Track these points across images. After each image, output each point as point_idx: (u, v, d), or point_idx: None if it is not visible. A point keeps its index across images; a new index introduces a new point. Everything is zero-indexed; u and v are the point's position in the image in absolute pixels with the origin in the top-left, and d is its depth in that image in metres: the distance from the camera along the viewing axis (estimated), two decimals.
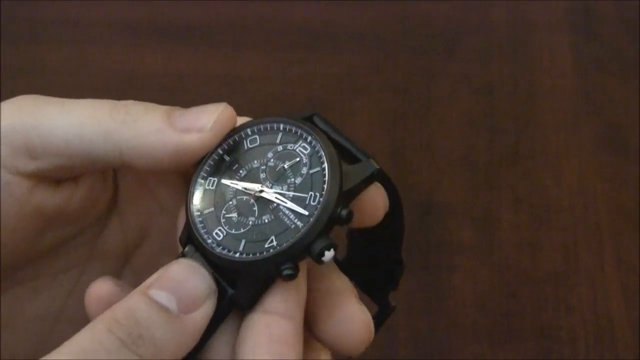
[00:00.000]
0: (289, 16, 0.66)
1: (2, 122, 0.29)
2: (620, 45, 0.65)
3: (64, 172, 0.30)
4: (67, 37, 0.63)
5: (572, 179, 0.58)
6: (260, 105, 0.60)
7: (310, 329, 0.30)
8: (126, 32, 0.64)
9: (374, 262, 0.34)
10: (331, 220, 0.28)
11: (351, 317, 0.30)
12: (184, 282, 0.28)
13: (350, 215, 0.28)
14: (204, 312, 0.28)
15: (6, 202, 0.30)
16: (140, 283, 0.32)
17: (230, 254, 0.29)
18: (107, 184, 0.33)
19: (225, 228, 0.29)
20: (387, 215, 0.31)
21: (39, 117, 0.29)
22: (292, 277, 0.28)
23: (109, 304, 0.29)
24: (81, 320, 0.33)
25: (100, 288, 0.31)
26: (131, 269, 0.35)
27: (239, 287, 0.29)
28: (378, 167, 0.29)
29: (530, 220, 0.56)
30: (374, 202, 0.30)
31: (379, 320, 0.34)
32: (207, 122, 0.30)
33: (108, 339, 0.26)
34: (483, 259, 0.54)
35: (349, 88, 0.62)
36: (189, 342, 0.28)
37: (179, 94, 0.61)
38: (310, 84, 0.62)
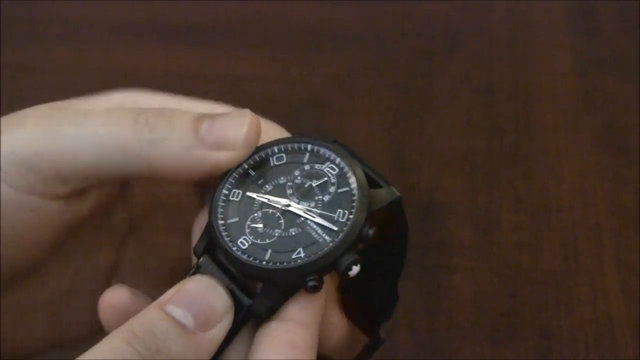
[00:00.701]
0: (289, 16, 0.66)
1: (30, 152, 0.29)
2: (620, 45, 0.65)
3: (94, 186, 0.31)
4: (67, 37, 0.63)
5: (572, 179, 0.58)
6: (260, 105, 0.60)
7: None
8: (126, 32, 0.64)
9: (369, 296, 0.35)
10: (359, 237, 0.29)
11: (332, 323, 0.32)
12: (200, 299, 0.28)
13: (375, 234, 0.29)
14: (220, 330, 0.28)
15: (40, 224, 0.30)
16: (143, 255, 0.33)
17: (257, 262, 0.29)
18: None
19: (250, 237, 0.30)
20: (390, 250, 0.33)
21: (64, 141, 0.29)
22: (316, 289, 0.29)
23: (122, 313, 0.30)
24: (89, 293, 0.34)
25: (114, 296, 0.31)
26: (135, 239, 0.36)
27: (260, 296, 0.29)
28: (400, 194, 0.31)
29: (530, 220, 0.55)
30: None
31: (369, 351, 0.35)
32: (236, 139, 0.30)
33: (128, 351, 0.27)
34: (483, 259, 0.54)
35: (349, 88, 0.62)
36: (203, 357, 0.28)
37: (179, 94, 0.61)
38: (310, 84, 0.62)
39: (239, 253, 0.29)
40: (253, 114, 0.32)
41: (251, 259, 0.29)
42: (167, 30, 0.64)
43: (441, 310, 0.52)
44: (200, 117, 0.31)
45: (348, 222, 0.29)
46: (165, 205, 0.36)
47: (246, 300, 0.29)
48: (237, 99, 0.62)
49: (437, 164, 0.58)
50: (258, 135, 0.31)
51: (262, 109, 0.61)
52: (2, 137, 0.30)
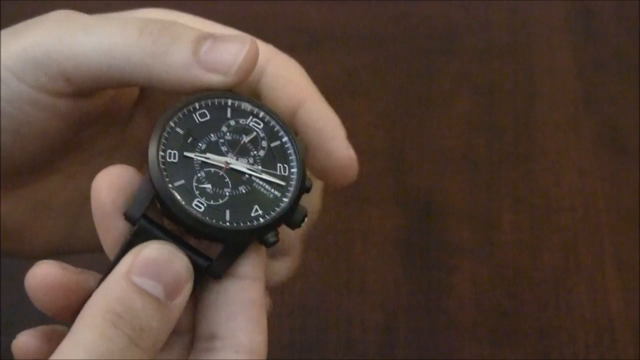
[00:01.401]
0: (288, 16, 0.66)
1: (39, 51, 0.31)
2: (620, 45, 0.65)
3: (97, 89, 0.32)
4: None
5: (572, 179, 0.58)
6: None
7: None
8: None
9: None
10: (303, 189, 0.31)
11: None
12: (167, 268, 0.28)
13: (311, 185, 0.31)
14: (184, 296, 0.28)
15: (51, 119, 0.31)
16: None
17: (220, 223, 0.29)
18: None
19: (203, 199, 0.30)
20: None
21: (70, 43, 0.31)
22: (276, 243, 0.30)
23: (53, 288, 0.29)
24: None
25: (44, 271, 0.30)
26: None
27: (221, 257, 0.29)
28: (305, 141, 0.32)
29: (530, 220, 0.56)
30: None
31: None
32: (230, 65, 0.31)
33: (117, 335, 0.27)
34: (483, 259, 0.54)
35: (349, 88, 0.62)
36: (172, 326, 0.28)
37: None
38: None
39: (200, 216, 0.29)
40: (254, 42, 0.32)
41: (213, 221, 0.29)
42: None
43: (441, 310, 0.52)
44: (203, 37, 0.31)
45: (292, 176, 0.31)
46: None
47: (202, 262, 0.29)
48: None
49: (437, 164, 0.58)
50: (253, 64, 0.32)
51: None
52: (19, 36, 0.32)
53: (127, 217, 0.29)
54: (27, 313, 0.51)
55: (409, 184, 0.57)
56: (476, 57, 0.64)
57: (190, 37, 0.31)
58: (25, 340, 0.31)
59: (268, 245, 0.29)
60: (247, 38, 0.32)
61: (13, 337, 0.48)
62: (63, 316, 0.30)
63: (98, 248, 0.35)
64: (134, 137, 0.36)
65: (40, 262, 0.30)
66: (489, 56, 0.64)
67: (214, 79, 0.31)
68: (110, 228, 0.30)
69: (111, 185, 0.30)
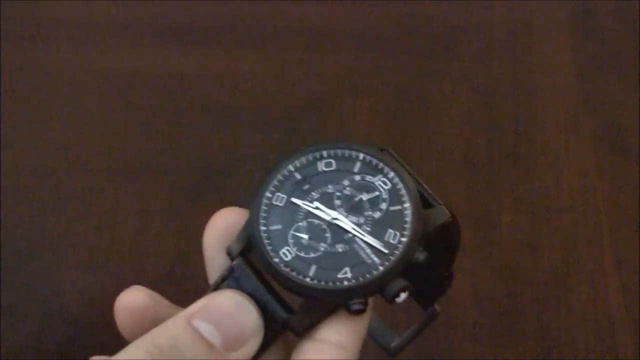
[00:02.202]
0: (289, 16, 0.66)
1: None
2: (620, 45, 0.65)
3: None
4: (67, 37, 0.63)
5: (572, 179, 0.58)
6: (260, 105, 0.60)
7: None
8: (126, 32, 0.64)
9: (426, 274, 0.34)
10: (409, 263, 0.28)
11: None
12: (231, 317, 0.27)
13: (427, 260, 0.28)
14: (246, 351, 0.27)
15: None
16: None
17: (300, 277, 0.28)
18: None
19: (294, 249, 0.28)
20: (449, 234, 0.31)
21: None
22: (360, 312, 0.27)
23: (140, 316, 0.28)
24: None
25: (132, 298, 0.29)
26: None
27: (300, 313, 0.28)
28: (450, 215, 0.29)
29: (530, 220, 0.55)
30: None
31: (426, 323, 0.35)
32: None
33: None
34: (483, 259, 0.54)
35: (349, 88, 0.62)
36: None
37: (179, 93, 0.61)
38: (310, 84, 0.62)
39: (281, 265, 0.28)
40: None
41: (294, 273, 0.27)
42: (168, 30, 0.64)
43: (441, 310, 0.52)
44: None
45: (399, 246, 0.28)
46: None
47: (282, 314, 0.28)
48: (236, 99, 0.62)
49: (437, 164, 0.58)
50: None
51: (262, 109, 0.61)
52: None
53: (228, 252, 0.29)
54: (27, 313, 0.51)
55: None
56: (476, 57, 0.64)
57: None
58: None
59: (350, 311, 0.27)
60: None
61: (13, 337, 0.48)
62: None
63: None
64: None
65: (133, 286, 0.29)
66: (489, 56, 0.64)
67: None
68: (214, 264, 0.29)
69: (221, 224, 0.29)
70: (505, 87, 0.62)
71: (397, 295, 0.27)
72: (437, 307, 0.35)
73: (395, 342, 0.35)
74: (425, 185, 0.31)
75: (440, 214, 0.29)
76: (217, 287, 0.28)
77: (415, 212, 0.28)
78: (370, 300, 0.28)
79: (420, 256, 0.28)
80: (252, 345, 0.27)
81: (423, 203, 0.29)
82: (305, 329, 0.28)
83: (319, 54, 0.64)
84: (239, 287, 0.28)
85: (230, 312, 0.27)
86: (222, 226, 0.29)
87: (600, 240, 0.55)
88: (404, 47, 0.64)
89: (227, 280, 0.28)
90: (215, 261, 0.29)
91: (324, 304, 0.27)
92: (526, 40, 0.65)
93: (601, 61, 0.64)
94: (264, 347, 0.28)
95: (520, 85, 0.62)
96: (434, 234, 0.29)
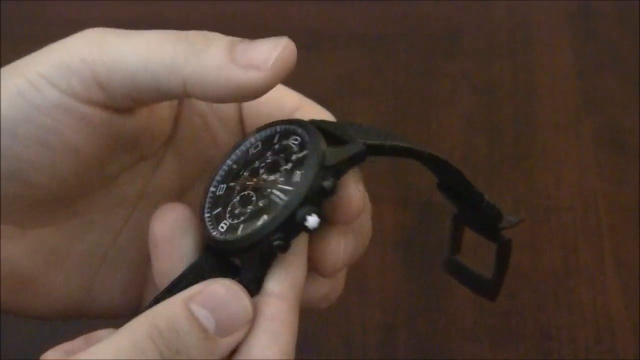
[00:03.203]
0: (289, 16, 0.66)
1: (72, 57, 0.30)
2: (620, 45, 0.65)
3: (131, 101, 0.31)
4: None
5: (572, 179, 0.58)
6: None
7: None
8: None
9: (473, 211, 0.38)
10: (313, 190, 0.29)
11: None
12: (225, 305, 0.28)
13: (333, 186, 0.30)
14: (237, 337, 0.29)
15: (83, 131, 0.31)
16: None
17: (229, 236, 0.30)
18: (169, 114, 0.34)
19: (229, 221, 0.31)
20: (448, 178, 0.37)
21: (105, 48, 0.30)
22: (283, 248, 0.29)
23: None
24: (128, 262, 0.34)
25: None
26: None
27: (242, 271, 0.30)
28: (365, 146, 0.31)
29: (530, 220, 0.56)
30: (349, 199, 0.31)
31: (503, 256, 0.39)
32: (267, 58, 0.30)
33: (150, 349, 0.27)
34: (483, 259, 0.54)
35: (349, 88, 0.62)
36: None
37: None
38: (310, 84, 0.62)
39: (218, 235, 0.30)
40: (290, 41, 0.32)
41: (225, 236, 0.30)
42: (167, 30, 0.64)
43: (441, 310, 0.52)
44: (238, 40, 0.31)
45: (302, 179, 0.30)
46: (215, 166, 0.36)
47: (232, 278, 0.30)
48: None
49: None
50: (290, 60, 0.31)
51: None
52: (54, 50, 0.31)
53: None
54: None
55: (409, 184, 0.57)
56: (476, 57, 0.64)
57: (225, 39, 0.31)
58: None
59: (274, 251, 0.29)
60: (284, 37, 0.31)
61: (13, 336, 0.48)
62: None
63: (113, 315, 0.35)
64: (162, 186, 0.35)
65: (47, 354, 0.31)
66: (489, 56, 0.64)
67: (250, 75, 0.30)
68: (168, 253, 0.31)
69: (173, 215, 0.31)
70: (505, 87, 0.62)
71: (304, 218, 0.29)
72: (511, 219, 0.38)
73: (490, 287, 0.40)
74: (355, 127, 0.33)
75: (354, 146, 0.31)
76: (182, 277, 0.30)
77: (316, 150, 0.30)
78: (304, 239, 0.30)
79: (326, 183, 0.29)
80: (242, 332, 0.29)
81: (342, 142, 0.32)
82: (254, 285, 0.30)
83: (319, 54, 0.64)
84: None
85: (225, 299, 0.28)
86: (171, 218, 0.31)
87: (600, 240, 0.55)
88: (404, 47, 0.64)
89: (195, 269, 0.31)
90: (166, 249, 0.31)
91: (253, 253, 0.29)
92: (526, 40, 0.65)
93: (601, 61, 0.64)
94: None
95: (520, 85, 0.62)
96: (349, 163, 0.31)
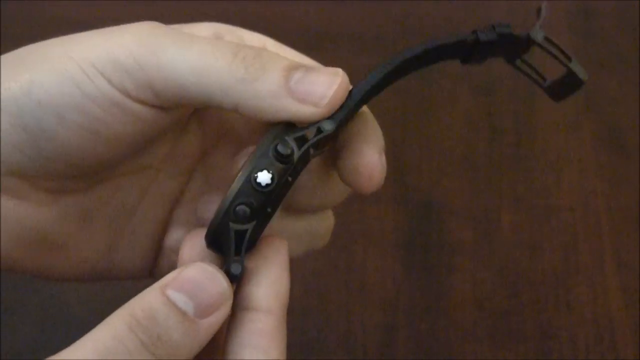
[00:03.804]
0: (289, 16, 0.66)
1: (125, 54, 0.30)
2: (620, 45, 0.65)
3: (180, 105, 0.32)
4: None
5: (572, 179, 0.58)
6: None
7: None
8: None
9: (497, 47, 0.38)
10: (265, 155, 0.30)
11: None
12: (201, 287, 0.29)
13: (289, 150, 0.30)
14: (218, 316, 0.29)
15: (130, 123, 0.31)
16: (209, 185, 0.35)
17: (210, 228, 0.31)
18: None
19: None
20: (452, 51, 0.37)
21: (160, 57, 0.31)
22: (245, 214, 0.29)
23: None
24: (152, 219, 0.35)
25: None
26: (203, 169, 0.37)
27: (225, 253, 0.30)
28: (324, 128, 0.32)
29: (530, 220, 0.56)
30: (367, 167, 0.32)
31: (553, 48, 0.38)
32: (323, 95, 0.31)
33: (129, 338, 0.27)
34: (483, 259, 0.54)
35: None
36: (202, 343, 0.29)
37: None
38: None
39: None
40: (345, 74, 0.33)
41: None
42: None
43: (441, 310, 0.52)
44: (294, 67, 0.31)
45: (255, 150, 0.30)
46: (237, 133, 0.37)
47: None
48: None
49: (437, 164, 0.58)
50: (344, 94, 0.32)
51: None
52: (106, 38, 0.31)
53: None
54: (27, 313, 0.51)
55: (409, 184, 0.57)
56: None
57: (282, 65, 0.31)
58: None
59: (240, 219, 0.29)
60: (339, 70, 0.32)
61: (13, 336, 0.48)
62: None
63: (133, 276, 0.36)
64: (185, 151, 0.36)
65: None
66: None
67: (304, 110, 0.31)
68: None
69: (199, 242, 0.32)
70: (505, 87, 0.62)
71: (255, 178, 0.29)
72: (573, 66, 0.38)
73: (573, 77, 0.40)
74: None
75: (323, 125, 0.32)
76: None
77: (274, 128, 0.31)
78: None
79: (281, 146, 0.30)
80: (223, 311, 0.29)
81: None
82: (233, 265, 0.30)
83: (319, 54, 0.64)
84: None
85: (201, 281, 0.29)
86: (201, 244, 0.32)
87: (600, 240, 0.55)
88: (404, 47, 0.64)
89: None
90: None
91: (224, 228, 0.30)
92: None
93: (601, 61, 0.64)
94: None
95: (520, 85, 0.62)
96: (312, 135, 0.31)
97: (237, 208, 0.29)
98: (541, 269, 0.53)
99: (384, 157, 0.33)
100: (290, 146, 0.30)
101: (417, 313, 0.52)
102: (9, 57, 0.33)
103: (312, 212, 0.36)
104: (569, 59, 0.38)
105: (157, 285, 0.28)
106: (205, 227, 0.31)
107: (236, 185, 0.30)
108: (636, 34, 0.65)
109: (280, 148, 0.30)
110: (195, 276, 0.29)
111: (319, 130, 0.31)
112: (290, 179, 0.30)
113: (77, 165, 0.32)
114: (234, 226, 0.30)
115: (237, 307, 0.30)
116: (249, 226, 0.30)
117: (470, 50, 0.36)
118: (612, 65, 0.63)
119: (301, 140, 0.30)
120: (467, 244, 0.55)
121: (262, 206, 0.30)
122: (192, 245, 0.32)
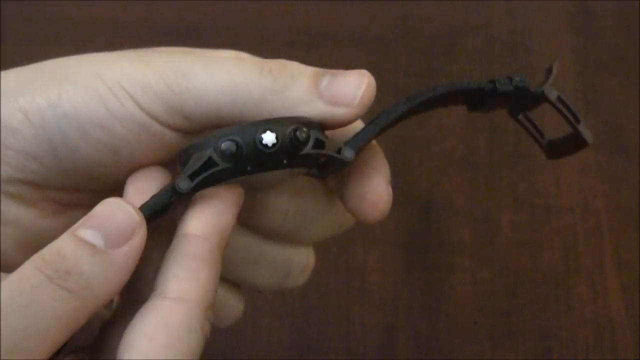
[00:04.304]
0: (289, 16, 0.66)
1: (158, 83, 0.31)
2: (620, 45, 0.65)
3: (213, 126, 0.32)
4: (67, 37, 0.63)
5: (572, 179, 0.58)
6: None
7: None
8: (126, 32, 0.64)
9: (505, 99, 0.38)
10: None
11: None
12: (109, 218, 0.29)
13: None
14: (133, 245, 0.29)
15: (153, 145, 0.31)
16: None
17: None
18: None
19: None
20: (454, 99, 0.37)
21: (191, 80, 0.31)
22: (226, 153, 0.29)
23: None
24: None
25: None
26: None
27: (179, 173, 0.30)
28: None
29: (530, 220, 0.56)
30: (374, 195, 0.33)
31: (562, 107, 0.38)
32: (354, 95, 0.32)
33: (34, 275, 0.27)
34: (483, 259, 0.54)
35: None
36: (120, 274, 0.28)
37: None
38: None
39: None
40: (370, 75, 0.33)
41: None
42: (167, 30, 0.64)
43: (441, 310, 0.52)
44: (320, 72, 0.32)
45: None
46: None
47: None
48: None
49: (437, 164, 0.58)
50: (373, 94, 0.33)
51: None
52: (134, 61, 0.32)
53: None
54: None
55: (409, 184, 0.57)
56: (476, 57, 0.64)
57: (309, 72, 0.31)
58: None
59: (216, 149, 0.29)
60: (365, 71, 0.33)
61: None
62: None
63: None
64: None
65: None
66: (489, 56, 0.64)
67: (337, 111, 0.31)
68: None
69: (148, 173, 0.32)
70: None
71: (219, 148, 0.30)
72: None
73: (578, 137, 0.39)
74: None
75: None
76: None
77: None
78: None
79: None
80: (138, 239, 0.29)
81: None
82: (185, 188, 0.30)
83: (319, 54, 0.64)
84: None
85: (108, 213, 0.29)
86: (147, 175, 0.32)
87: (600, 240, 0.55)
88: (404, 47, 0.64)
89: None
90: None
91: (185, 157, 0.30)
92: (526, 40, 0.65)
93: (601, 61, 0.64)
94: (163, 211, 0.30)
95: None
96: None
97: (226, 142, 0.29)
98: (541, 269, 0.53)
99: (390, 189, 0.33)
100: (307, 137, 0.30)
101: (417, 313, 0.52)
102: (37, 68, 0.33)
103: (296, 245, 0.36)
104: (578, 121, 0.38)
105: (69, 229, 0.28)
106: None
107: (243, 126, 0.30)
108: (636, 34, 0.65)
109: (298, 133, 0.30)
110: (102, 210, 0.29)
111: (338, 151, 0.31)
112: (285, 161, 0.30)
113: (94, 181, 0.32)
114: (211, 153, 0.29)
115: (178, 233, 0.30)
116: (222, 165, 0.29)
117: (483, 99, 0.37)
118: (612, 65, 0.63)
119: (318, 145, 0.30)
120: (467, 243, 0.55)
121: (248, 159, 0.30)
122: (135, 183, 0.32)
